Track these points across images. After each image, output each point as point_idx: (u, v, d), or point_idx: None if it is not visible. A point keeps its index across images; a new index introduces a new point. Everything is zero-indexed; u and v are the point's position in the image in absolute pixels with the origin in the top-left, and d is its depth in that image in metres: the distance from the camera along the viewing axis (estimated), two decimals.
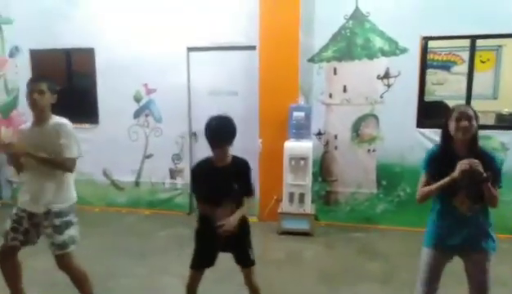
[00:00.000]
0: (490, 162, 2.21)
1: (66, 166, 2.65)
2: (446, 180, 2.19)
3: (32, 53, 5.80)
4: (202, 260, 2.60)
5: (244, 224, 2.58)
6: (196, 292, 2.66)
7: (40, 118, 2.64)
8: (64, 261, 2.66)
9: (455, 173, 2.14)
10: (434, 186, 2.26)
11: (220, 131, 2.41)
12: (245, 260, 2.61)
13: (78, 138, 2.71)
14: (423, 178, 2.37)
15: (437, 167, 2.30)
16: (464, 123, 2.20)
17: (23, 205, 2.70)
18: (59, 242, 2.62)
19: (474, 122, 2.22)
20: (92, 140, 5.69)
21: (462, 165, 2.12)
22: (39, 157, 2.54)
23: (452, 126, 2.24)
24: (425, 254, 2.41)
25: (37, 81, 2.63)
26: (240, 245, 2.60)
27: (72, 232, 2.68)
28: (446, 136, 2.31)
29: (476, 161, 2.11)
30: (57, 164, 2.61)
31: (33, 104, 2.58)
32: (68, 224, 2.66)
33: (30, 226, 2.70)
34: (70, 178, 2.77)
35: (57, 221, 2.63)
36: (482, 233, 2.29)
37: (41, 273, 3.37)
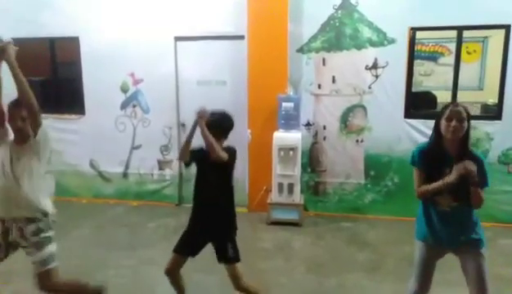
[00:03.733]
0: (478, 165, 2.19)
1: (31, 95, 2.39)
2: (440, 183, 2.18)
3: (14, 42, 5.64)
4: (185, 245, 2.61)
5: (229, 218, 2.61)
6: (178, 278, 2.65)
7: (22, 140, 2.47)
8: (47, 280, 2.47)
9: (452, 177, 2.13)
10: (431, 187, 2.23)
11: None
12: (224, 256, 2.57)
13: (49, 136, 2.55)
14: (416, 174, 2.33)
15: (426, 164, 2.29)
16: (454, 124, 2.17)
17: None
18: (39, 259, 2.46)
19: (465, 124, 2.18)
20: (78, 131, 5.63)
21: (459, 169, 2.11)
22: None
23: (443, 124, 2.21)
24: (417, 247, 2.42)
25: (18, 106, 2.41)
26: (221, 237, 2.58)
27: (51, 248, 2.51)
28: (437, 134, 2.27)
29: (471, 163, 2.10)
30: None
31: (17, 131, 2.44)
32: (48, 240, 2.50)
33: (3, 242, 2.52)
34: (43, 186, 2.56)
35: (35, 238, 2.46)
36: (468, 230, 2.27)
37: None
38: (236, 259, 2.58)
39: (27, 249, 2.49)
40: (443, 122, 2.21)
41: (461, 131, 2.19)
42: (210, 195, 2.57)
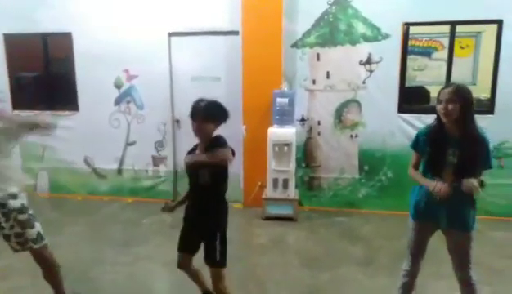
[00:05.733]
0: (481, 145, 2.21)
1: None
2: (428, 184, 2.28)
3: (6, 37, 5.59)
4: (183, 243, 2.64)
5: (218, 214, 2.53)
6: (194, 273, 2.70)
7: None
8: (41, 254, 2.61)
9: (443, 190, 2.20)
10: (418, 179, 2.39)
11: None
12: (211, 257, 2.46)
13: None
14: (413, 155, 2.46)
15: (429, 146, 2.33)
16: (444, 106, 2.19)
17: None
18: (33, 237, 2.56)
19: (456, 104, 2.16)
20: (72, 128, 5.59)
21: (466, 187, 2.15)
22: None
23: (437, 107, 2.24)
24: (411, 226, 2.47)
25: None
26: (209, 235, 2.48)
27: (38, 227, 2.61)
28: (438, 116, 2.29)
29: (475, 185, 2.13)
30: None
31: None
32: (34, 218, 2.59)
33: None
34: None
35: (22, 216, 2.53)
36: (464, 210, 2.28)
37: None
38: (221, 263, 2.48)
39: (13, 230, 2.51)
40: (437, 105, 2.24)
41: (453, 112, 2.17)
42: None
